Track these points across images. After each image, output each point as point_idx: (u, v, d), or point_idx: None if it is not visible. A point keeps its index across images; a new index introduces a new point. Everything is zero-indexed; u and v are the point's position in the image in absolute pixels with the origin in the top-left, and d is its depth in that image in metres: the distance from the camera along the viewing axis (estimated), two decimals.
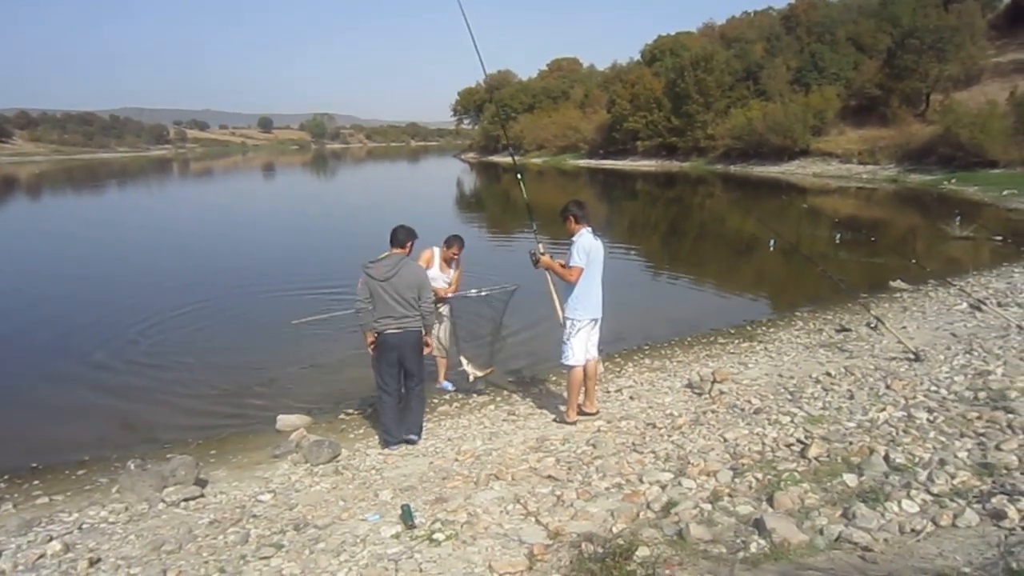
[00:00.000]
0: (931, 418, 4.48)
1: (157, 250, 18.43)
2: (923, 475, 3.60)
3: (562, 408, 6.36)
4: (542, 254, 5.98)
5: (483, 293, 7.06)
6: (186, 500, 4.85)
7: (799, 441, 4.50)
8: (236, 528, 4.27)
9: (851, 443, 4.27)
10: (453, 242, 7.04)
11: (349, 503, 4.55)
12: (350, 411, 6.95)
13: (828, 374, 6.29)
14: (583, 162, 64.66)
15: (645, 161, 57.17)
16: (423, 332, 5.85)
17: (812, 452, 4.21)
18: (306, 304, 10.99)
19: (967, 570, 2.54)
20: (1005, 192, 25.52)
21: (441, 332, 7.10)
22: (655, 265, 16.52)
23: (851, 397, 5.39)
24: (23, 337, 9.80)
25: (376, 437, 6.10)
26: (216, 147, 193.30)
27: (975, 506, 3.22)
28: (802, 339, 8.50)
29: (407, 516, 3.99)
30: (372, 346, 5.78)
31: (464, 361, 7.03)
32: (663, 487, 4.12)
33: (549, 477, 4.59)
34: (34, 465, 5.81)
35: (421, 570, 3.39)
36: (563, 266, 5.78)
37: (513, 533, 3.73)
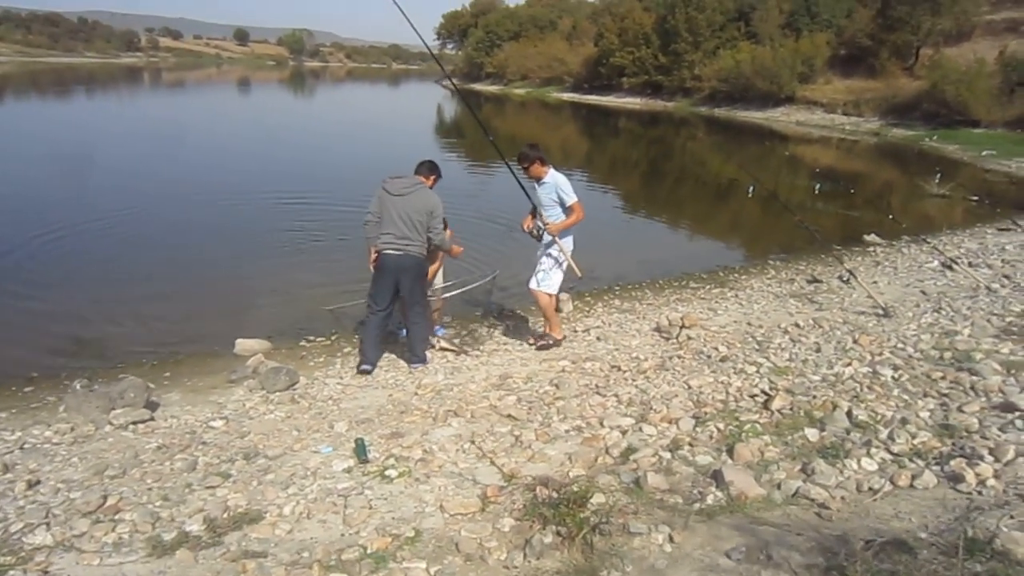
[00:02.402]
0: (896, 376, 4.45)
1: (124, 158, 17.71)
2: (884, 433, 3.57)
3: (529, 343, 6.48)
4: (546, 222, 5.91)
5: (462, 289, 7.17)
6: (134, 423, 4.68)
7: (763, 392, 4.46)
8: (184, 455, 4.13)
9: (815, 397, 4.23)
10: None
11: (303, 433, 4.44)
12: (312, 338, 6.78)
13: (797, 325, 6.25)
14: (567, 95, 63.38)
15: (630, 98, 56.18)
16: (425, 259, 5.74)
17: (775, 404, 4.17)
18: (279, 216, 11.00)
19: (923, 535, 2.50)
20: (984, 152, 25.52)
21: (438, 278, 6.74)
22: (632, 205, 16.32)
23: (818, 350, 5.34)
24: None
25: (336, 367, 5.97)
26: (189, 57, 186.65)
27: (934, 468, 3.19)
28: (773, 288, 8.46)
29: (360, 450, 3.90)
30: (373, 263, 5.68)
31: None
32: (623, 432, 4.07)
33: (509, 416, 4.51)
34: None
35: (371, 507, 3.30)
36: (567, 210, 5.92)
37: (468, 473, 3.65)
